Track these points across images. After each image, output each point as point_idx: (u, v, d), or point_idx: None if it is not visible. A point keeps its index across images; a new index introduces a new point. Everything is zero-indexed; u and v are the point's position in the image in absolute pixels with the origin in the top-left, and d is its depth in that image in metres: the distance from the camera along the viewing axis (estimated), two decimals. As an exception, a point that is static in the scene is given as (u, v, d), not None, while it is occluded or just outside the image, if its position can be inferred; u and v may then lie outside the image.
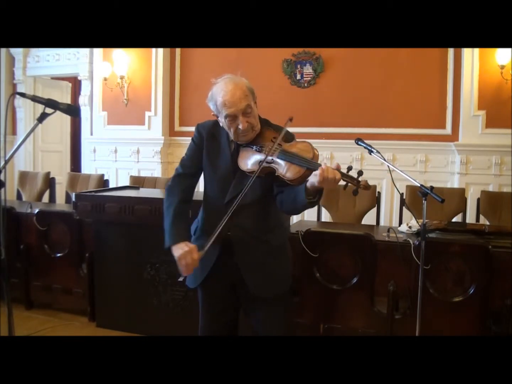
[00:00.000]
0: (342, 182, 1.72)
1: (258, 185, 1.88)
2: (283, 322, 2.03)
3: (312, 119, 4.90)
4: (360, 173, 1.73)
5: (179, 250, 1.85)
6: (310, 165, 1.76)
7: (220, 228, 1.82)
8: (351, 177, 1.72)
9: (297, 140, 1.92)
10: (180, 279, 1.87)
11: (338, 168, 1.69)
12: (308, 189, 1.73)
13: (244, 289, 1.96)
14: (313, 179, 1.70)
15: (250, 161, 1.90)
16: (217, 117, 1.93)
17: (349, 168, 1.74)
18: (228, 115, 1.83)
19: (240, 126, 1.84)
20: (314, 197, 1.76)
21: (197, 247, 1.85)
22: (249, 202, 1.87)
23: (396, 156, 4.83)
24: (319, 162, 1.80)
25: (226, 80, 1.88)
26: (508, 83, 4.29)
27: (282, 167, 1.82)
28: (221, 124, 1.94)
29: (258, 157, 1.88)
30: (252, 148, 1.91)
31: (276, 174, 1.84)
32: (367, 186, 1.73)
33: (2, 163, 1.74)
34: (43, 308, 3.71)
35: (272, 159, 1.84)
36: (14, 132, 6.44)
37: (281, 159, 1.83)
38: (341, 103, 4.94)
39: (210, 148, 1.98)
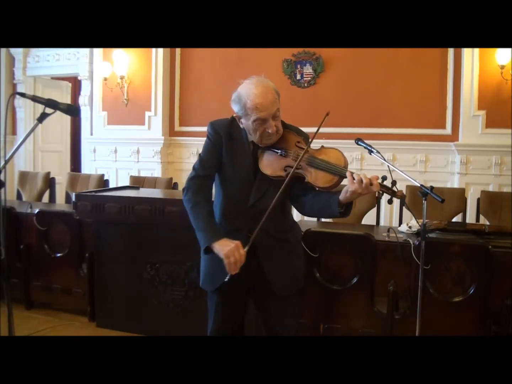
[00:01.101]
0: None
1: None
2: (296, 318, 2.08)
3: (312, 119, 4.85)
4: (394, 182, 1.77)
5: (224, 247, 1.78)
6: (343, 172, 1.78)
7: (258, 229, 1.80)
8: (387, 187, 1.77)
9: (325, 146, 1.92)
10: (227, 278, 1.80)
11: (375, 177, 1.73)
12: (340, 202, 1.77)
13: (265, 289, 1.96)
14: (348, 188, 1.73)
15: (274, 165, 1.88)
16: (239, 118, 1.88)
17: (384, 178, 1.77)
18: (258, 119, 1.80)
19: (270, 130, 1.82)
20: (345, 208, 1.80)
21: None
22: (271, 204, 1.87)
23: (396, 156, 4.83)
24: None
25: (254, 82, 1.84)
26: (508, 83, 4.29)
27: (312, 174, 1.82)
28: (242, 126, 1.90)
29: (283, 162, 1.87)
30: (277, 152, 1.89)
31: (305, 180, 1.83)
32: (403, 196, 1.78)
33: (2, 163, 1.74)
34: (43, 308, 3.71)
35: (301, 165, 1.83)
36: (14, 132, 6.44)
37: (311, 165, 1.83)
38: (341, 103, 4.94)
39: (228, 147, 1.93)
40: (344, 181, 1.80)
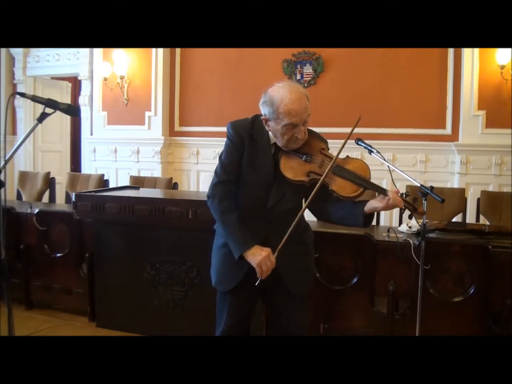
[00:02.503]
0: None
1: (298, 193, 1.90)
2: (307, 318, 2.10)
3: (312, 119, 4.86)
4: (415, 200, 1.84)
5: (256, 256, 1.82)
6: (369, 186, 1.83)
7: (288, 233, 1.81)
8: (409, 203, 1.84)
9: (350, 156, 1.94)
10: (257, 283, 1.84)
11: (397, 192, 1.79)
12: (364, 213, 1.81)
13: (279, 289, 1.97)
14: (375, 204, 1.80)
15: (297, 170, 1.88)
16: (267, 121, 1.86)
17: (406, 195, 1.83)
18: (290, 124, 1.80)
19: (299, 136, 1.83)
20: (368, 219, 1.86)
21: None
22: (289, 208, 1.89)
23: (396, 156, 4.83)
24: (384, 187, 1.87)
25: (288, 86, 1.83)
26: (508, 83, 4.29)
27: (337, 183, 1.84)
28: (268, 128, 1.88)
29: (307, 167, 1.87)
30: (300, 157, 1.88)
31: (329, 188, 1.85)
32: (423, 213, 1.90)
33: (2, 163, 1.74)
34: (43, 308, 3.71)
35: (326, 173, 1.84)
36: (14, 132, 6.44)
37: (336, 174, 1.84)
38: (341, 103, 4.94)
39: (250, 150, 1.90)
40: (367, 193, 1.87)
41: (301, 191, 1.92)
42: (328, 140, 1.95)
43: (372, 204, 1.81)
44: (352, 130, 1.84)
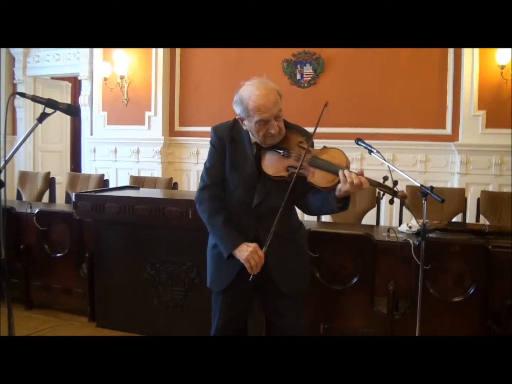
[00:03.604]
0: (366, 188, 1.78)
1: (284, 189, 1.89)
2: (302, 318, 2.10)
3: (312, 119, 4.85)
4: (395, 183, 1.78)
5: (243, 252, 1.86)
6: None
7: (274, 226, 1.82)
8: (387, 187, 1.79)
9: (327, 146, 1.93)
10: (250, 278, 1.86)
11: (361, 174, 1.74)
12: (337, 197, 1.79)
13: (271, 289, 1.98)
14: (340, 186, 1.76)
15: (277, 166, 1.89)
16: (242, 120, 1.90)
17: (385, 179, 1.79)
18: (261, 120, 1.82)
19: (272, 131, 1.84)
20: (343, 202, 1.82)
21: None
22: (276, 204, 1.88)
23: (396, 156, 4.83)
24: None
25: (257, 84, 1.86)
26: (508, 83, 4.29)
27: (314, 174, 1.84)
28: (245, 127, 1.92)
29: (286, 162, 1.88)
30: (279, 152, 1.90)
31: (307, 180, 1.85)
32: (404, 196, 1.80)
33: (2, 163, 1.74)
34: (43, 308, 3.71)
35: (303, 165, 1.85)
36: (14, 132, 6.44)
37: (313, 166, 1.85)
38: (341, 103, 4.94)
39: (232, 152, 1.95)
40: None
41: (287, 188, 1.92)
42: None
43: (339, 186, 1.78)
44: (320, 117, 1.85)
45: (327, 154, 1.87)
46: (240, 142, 1.94)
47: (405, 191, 1.92)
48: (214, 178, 1.97)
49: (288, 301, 1.99)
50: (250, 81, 1.88)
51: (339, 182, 1.79)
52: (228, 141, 1.94)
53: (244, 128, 1.92)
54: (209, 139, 2.00)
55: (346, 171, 1.74)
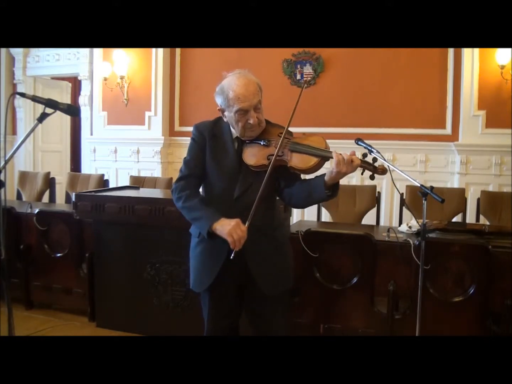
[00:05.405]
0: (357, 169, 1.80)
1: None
2: (286, 320, 2.08)
3: (312, 119, 4.89)
4: (374, 159, 1.81)
5: (225, 226, 1.80)
6: (324, 153, 1.82)
7: (251, 217, 1.80)
8: (368, 163, 1.81)
9: (306, 133, 1.97)
10: (232, 256, 1.80)
11: (353, 154, 1.77)
12: (326, 183, 1.79)
13: (252, 289, 1.97)
14: (332, 169, 1.76)
15: (257, 155, 1.91)
16: (223, 111, 1.93)
17: (364, 155, 1.81)
18: (240, 109, 1.84)
19: (251, 121, 1.86)
20: (332, 190, 1.82)
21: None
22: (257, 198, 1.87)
23: (396, 156, 4.83)
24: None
25: (237, 74, 1.90)
26: (508, 83, 4.29)
27: (293, 159, 1.86)
28: (225, 119, 1.95)
29: (266, 151, 1.90)
30: (260, 143, 1.92)
31: (288, 165, 1.87)
32: (384, 170, 1.80)
33: (2, 163, 1.74)
34: (43, 308, 3.71)
35: (283, 152, 1.87)
36: (14, 132, 6.44)
37: (293, 150, 1.87)
38: (341, 103, 4.94)
39: (213, 147, 1.97)
40: (327, 164, 1.84)
41: (270, 180, 1.92)
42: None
43: (331, 169, 1.78)
44: (296, 105, 1.87)
45: (307, 140, 1.90)
46: (220, 137, 1.98)
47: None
48: (193, 169, 1.98)
49: (268, 301, 1.97)
50: (231, 72, 1.93)
51: (318, 163, 1.82)
52: (209, 136, 1.97)
53: (225, 120, 1.95)
54: None
55: (336, 152, 1.77)
